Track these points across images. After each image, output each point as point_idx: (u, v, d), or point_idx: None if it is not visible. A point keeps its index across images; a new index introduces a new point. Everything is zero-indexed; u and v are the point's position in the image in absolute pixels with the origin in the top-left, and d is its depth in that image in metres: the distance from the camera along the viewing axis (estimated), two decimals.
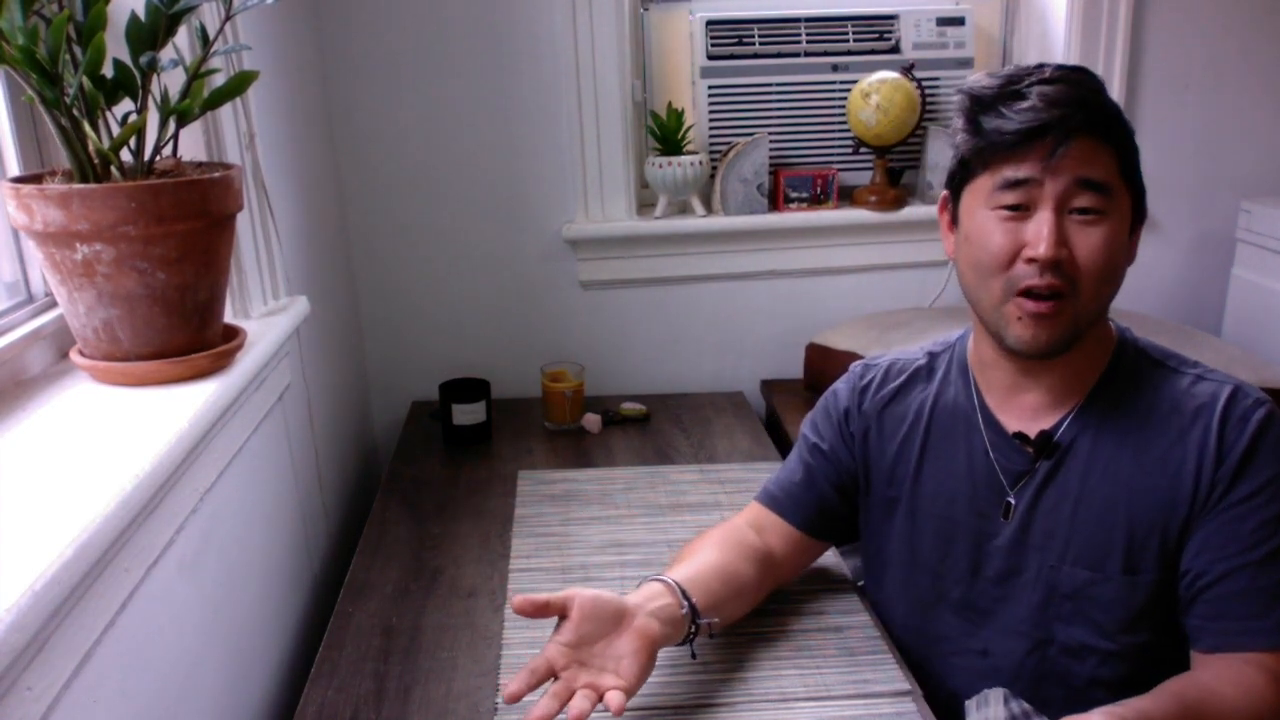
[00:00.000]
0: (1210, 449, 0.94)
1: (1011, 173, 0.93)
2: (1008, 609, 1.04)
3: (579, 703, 0.88)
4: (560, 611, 0.95)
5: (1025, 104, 0.91)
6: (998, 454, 1.04)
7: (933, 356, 1.13)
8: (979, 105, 0.95)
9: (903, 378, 1.13)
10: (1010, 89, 0.93)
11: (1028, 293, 0.93)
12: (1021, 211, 0.93)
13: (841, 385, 1.17)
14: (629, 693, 0.91)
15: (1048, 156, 0.90)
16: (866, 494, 1.14)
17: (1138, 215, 0.98)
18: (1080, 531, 0.99)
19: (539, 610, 0.94)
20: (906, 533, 1.10)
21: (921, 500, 1.09)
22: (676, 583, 1.01)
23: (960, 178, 0.99)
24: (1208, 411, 0.95)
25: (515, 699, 0.89)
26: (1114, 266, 0.94)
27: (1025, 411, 1.03)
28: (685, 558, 1.10)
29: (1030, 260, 0.92)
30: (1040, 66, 0.94)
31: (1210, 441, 0.94)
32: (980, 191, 0.96)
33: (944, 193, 1.03)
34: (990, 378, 1.05)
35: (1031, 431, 1.01)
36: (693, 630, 1.01)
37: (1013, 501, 1.03)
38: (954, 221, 1.02)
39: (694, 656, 1.04)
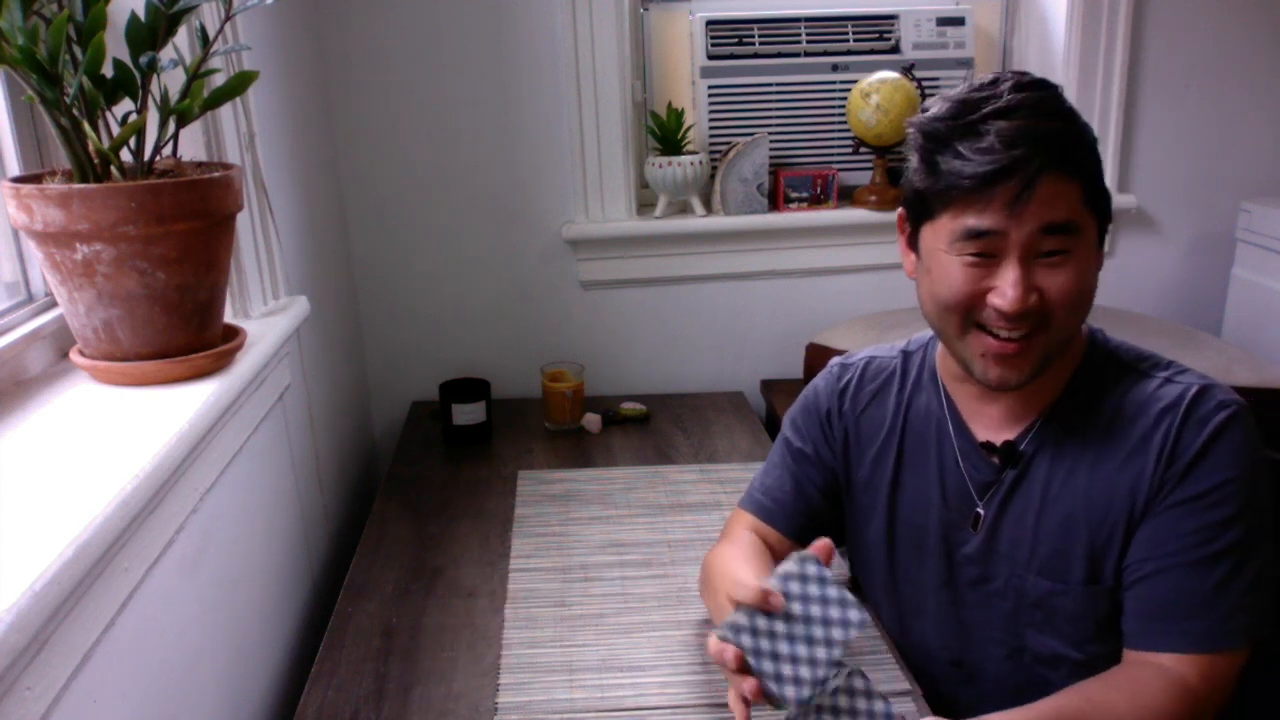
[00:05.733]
0: (1167, 449, 0.91)
1: (975, 222, 0.88)
2: (981, 616, 1.03)
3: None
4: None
5: (983, 144, 0.86)
6: (967, 463, 1.02)
7: (907, 356, 1.11)
8: (934, 142, 0.90)
9: (879, 379, 1.11)
10: (965, 122, 0.88)
11: (990, 330, 0.92)
12: (986, 259, 0.90)
13: (821, 384, 1.15)
14: None
15: (1011, 203, 0.86)
16: (849, 499, 1.13)
17: (1103, 225, 0.94)
18: (1043, 541, 0.97)
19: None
20: (884, 542, 1.09)
21: (898, 510, 1.08)
22: None
23: (918, 211, 0.95)
24: (1171, 412, 0.92)
25: None
26: (1085, 295, 0.91)
27: (994, 420, 1.01)
28: (739, 570, 1.01)
29: (999, 310, 0.89)
30: (995, 83, 0.89)
31: (1169, 442, 0.91)
32: (941, 234, 0.92)
33: (900, 210, 1.00)
34: (959, 388, 1.04)
35: (998, 440, 1.00)
36: None
37: (981, 512, 1.01)
38: (912, 245, 0.98)
39: None
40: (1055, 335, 0.92)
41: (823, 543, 0.85)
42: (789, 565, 0.85)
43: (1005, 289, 0.89)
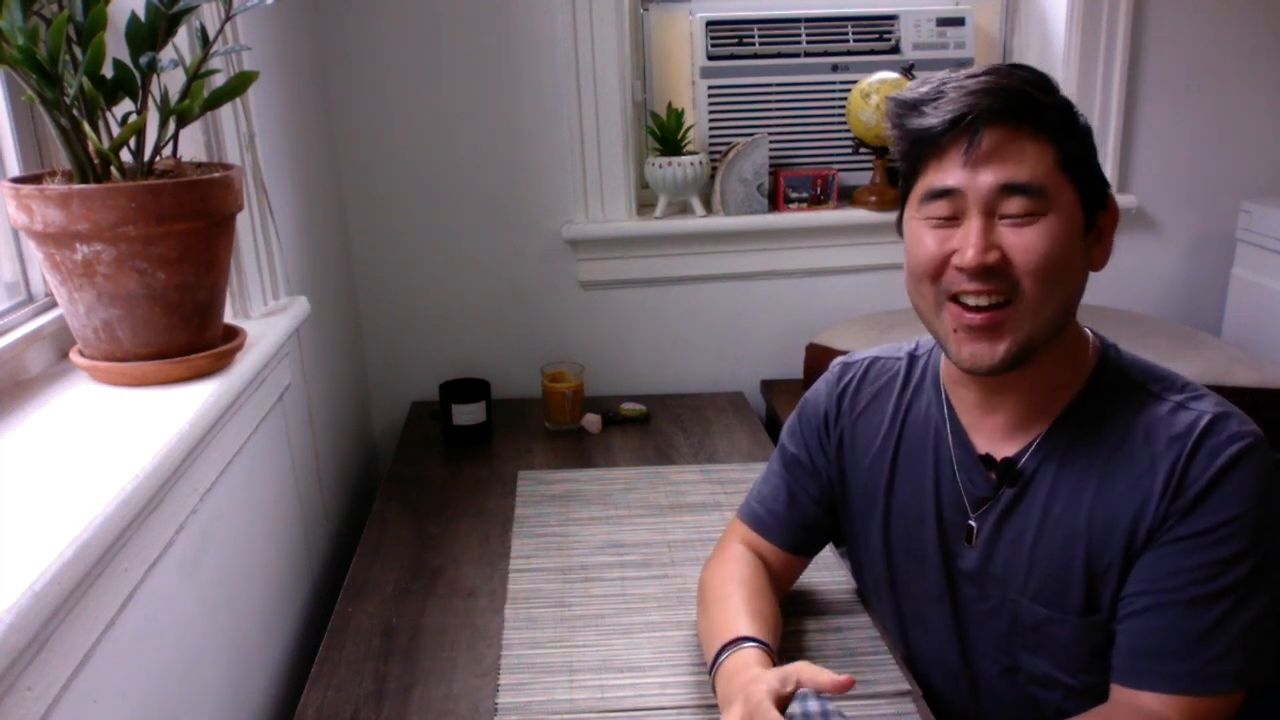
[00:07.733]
0: (1174, 480, 0.87)
1: (936, 180, 0.89)
2: (977, 632, 1.01)
3: None
4: None
5: (943, 100, 0.87)
6: (964, 474, 1.00)
7: (913, 359, 1.09)
8: (904, 109, 0.91)
9: (880, 381, 1.09)
10: (935, 89, 0.89)
11: (960, 299, 0.90)
12: (951, 221, 0.89)
13: (821, 386, 1.13)
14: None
15: (965, 151, 0.86)
16: (845, 506, 1.12)
17: (1098, 209, 0.91)
18: (1039, 567, 0.94)
19: None
20: (882, 550, 1.08)
21: (893, 519, 1.06)
22: (766, 644, 0.97)
23: (901, 191, 0.96)
24: (1180, 442, 0.87)
25: None
26: (1059, 265, 0.87)
27: (994, 432, 0.98)
28: (746, 608, 1.01)
29: (960, 268, 0.88)
30: (982, 68, 0.90)
31: (1176, 472, 0.87)
32: (913, 202, 0.93)
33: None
34: (960, 394, 1.01)
35: (999, 454, 0.97)
36: None
37: (974, 525, 0.99)
38: (901, 232, 0.98)
39: None
40: (1029, 312, 0.88)
41: (844, 679, 0.84)
42: (793, 707, 0.86)
43: (965, 246, 0.87)
